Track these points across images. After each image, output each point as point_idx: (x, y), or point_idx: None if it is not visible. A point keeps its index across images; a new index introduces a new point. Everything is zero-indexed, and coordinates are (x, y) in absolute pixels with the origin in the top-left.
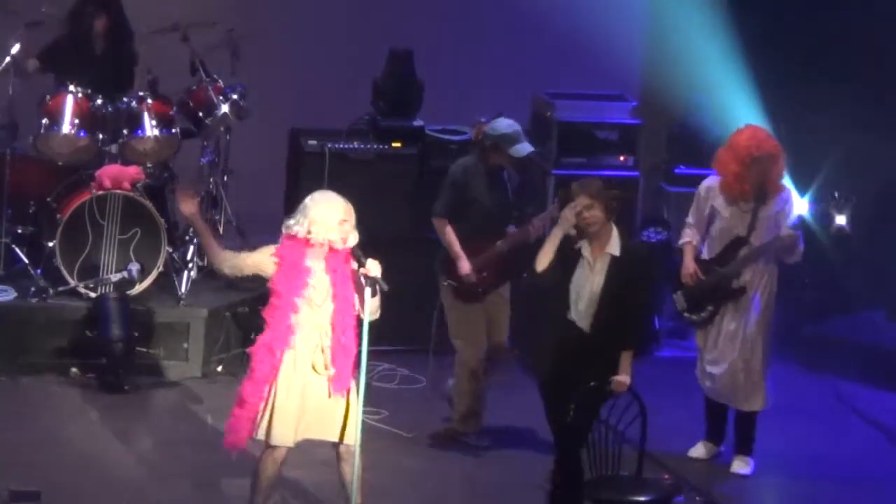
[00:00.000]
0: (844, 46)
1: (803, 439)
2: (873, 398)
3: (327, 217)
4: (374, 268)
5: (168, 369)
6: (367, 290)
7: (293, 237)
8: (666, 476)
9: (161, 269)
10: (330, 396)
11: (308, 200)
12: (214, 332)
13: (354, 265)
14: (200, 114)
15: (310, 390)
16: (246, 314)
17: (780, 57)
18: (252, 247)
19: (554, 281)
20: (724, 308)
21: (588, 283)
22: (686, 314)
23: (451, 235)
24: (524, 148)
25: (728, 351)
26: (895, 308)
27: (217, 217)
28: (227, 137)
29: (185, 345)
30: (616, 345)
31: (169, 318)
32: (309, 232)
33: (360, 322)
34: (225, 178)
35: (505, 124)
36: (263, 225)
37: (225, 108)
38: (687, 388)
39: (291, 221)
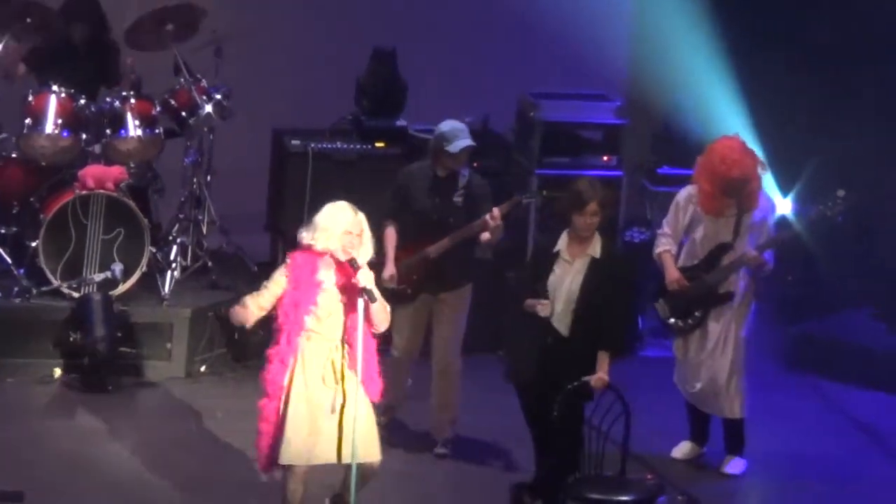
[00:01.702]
0: (828, 46)
1: (788, 439)
2: (858, 398)
3: (331, 225)
4: (364, 278)
5: (151, 369)
6: (360, 301)
7: (307, 248)
8: (649, 476)
9: (144, 269)
10: (334, 412)
11: (323, 209)
12: (198, 333)
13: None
14: (184, 114)
15: (315, 406)
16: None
17: (764, 58)
18: (236, 246)
19: (530, 281)
20: (711, 314)
21: (565, 284)
22: (672, 321)
23: (385, 238)
24: (458, 144)
25: (711, 357)
26: (881, 308)
27: (200, 217)
28: (211, 137)
29: (169, 345)
30: (594, 346)
31: (152, 318)
32: (314, 239)
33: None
34: (208, 178)
35: (445, 124)
36: (247, 224)
37: (208, 108)
38: (671, 387)
39: (304, 231)
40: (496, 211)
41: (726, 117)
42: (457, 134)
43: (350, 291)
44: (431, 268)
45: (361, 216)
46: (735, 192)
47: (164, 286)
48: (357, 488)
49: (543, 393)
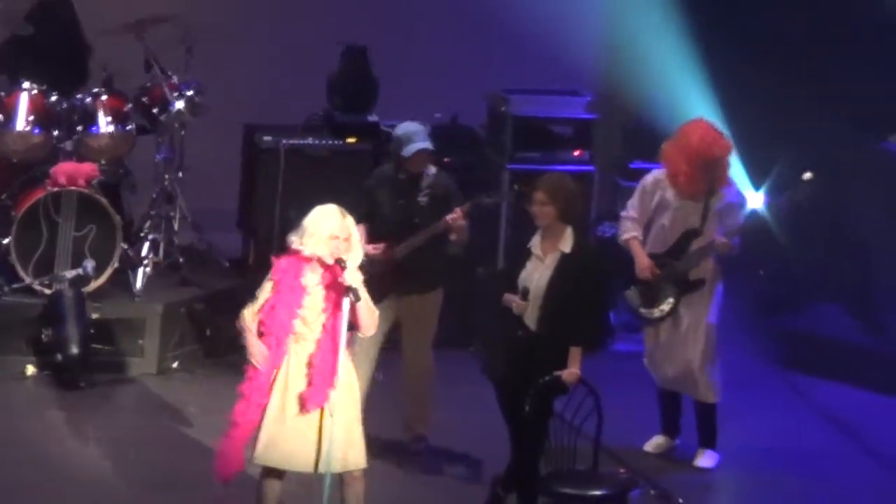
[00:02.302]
0: (798, 41)
1: (760, 432)
2: (829, 390)
3: (318, 229)
4: (350, 277)
5: (124, 366)
6: (345, 301)
7: (295, 252)
8: (622, 470)
9: (116, 265)
10: (307, 411)
11: (311, 212)
12: (170, 329)
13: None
14: (155, 110)
15: (300, 414)
16: (201, 311)
17: (734, 52)
18: (208, 243)
19: (503, 277)
20: (683, 301)
21: (535, 280)
22: (643, 310)
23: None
24: (411, 148)
25: (684, 343)
26: (852, 301)
27: (172, 214)
28: (182, 134)
29: (141, 341)
30: (564, 341)
31: (124, 314)
32: (302, 244)
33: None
34: (180, 175)
35: (401, 127)
36: (219, 221)
37: (180, 104)
38: (643, 381)
39: (293, 234)
40: (458, 211)
41: (697, 112)
42: (411, 137)
43: (336, 292)
44: (398, 269)
45: (349, 220)
46: (713, 172)
47: (135, 283)
48: (342, 495)
49: (517, 388)
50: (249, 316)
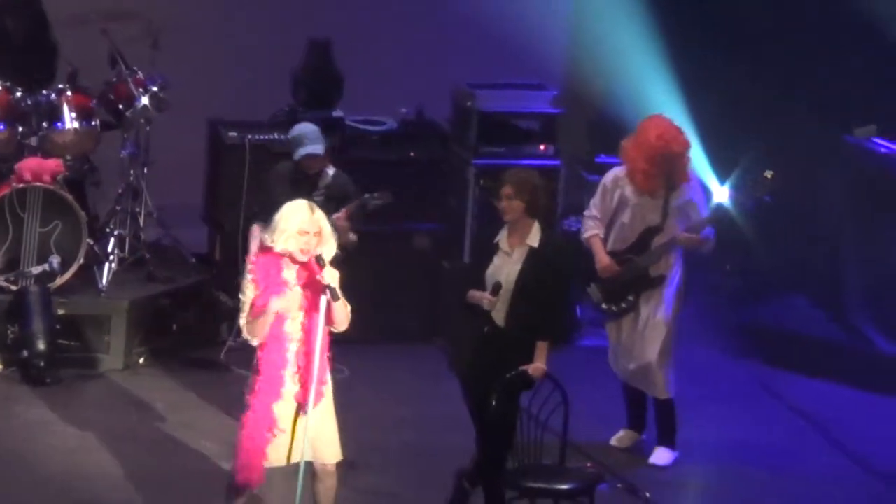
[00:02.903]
0: (764, 36)
1: (726, 426)
2: (796, 385)
3: (287, 225)
4: (328, 275)
5: (90, 362)
6: (322, 298)
7: (268, 250)
8: (589, 464)
9: (82, 261)
10: (304, 413)
11: (282, 209)
12: (136, 325)
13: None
14: (121, 106)
15: (287, 407)
16: (167, 306)
17: (700, 46)
18: (174, 238)
19: (469, 272)
20: (643, 297)
21: (502, 275)
22: (605, 305)
23: (249, 235)
24: (300, 152)
25: (642, 340)
26: (819, 294)
27: (138, 209)
28: (148, 129)
29: (107, 337)
30: (531, 335)
31: (90, 310)
32: (273, 241)
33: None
34: (145, 170)
35: (295, 128)
36: (184, 216)
37: (145, 100)
38: (609, 376)
39: (265, 232)
40: (344, 211)
41: (663, 106)
42: (301, 140)
43: (313, 290)
44: None
45: (319, 214)
46: (670, 168)
47: (101, 278)
48: (314, 489)
49: (483, 382)
50: (246, 322)
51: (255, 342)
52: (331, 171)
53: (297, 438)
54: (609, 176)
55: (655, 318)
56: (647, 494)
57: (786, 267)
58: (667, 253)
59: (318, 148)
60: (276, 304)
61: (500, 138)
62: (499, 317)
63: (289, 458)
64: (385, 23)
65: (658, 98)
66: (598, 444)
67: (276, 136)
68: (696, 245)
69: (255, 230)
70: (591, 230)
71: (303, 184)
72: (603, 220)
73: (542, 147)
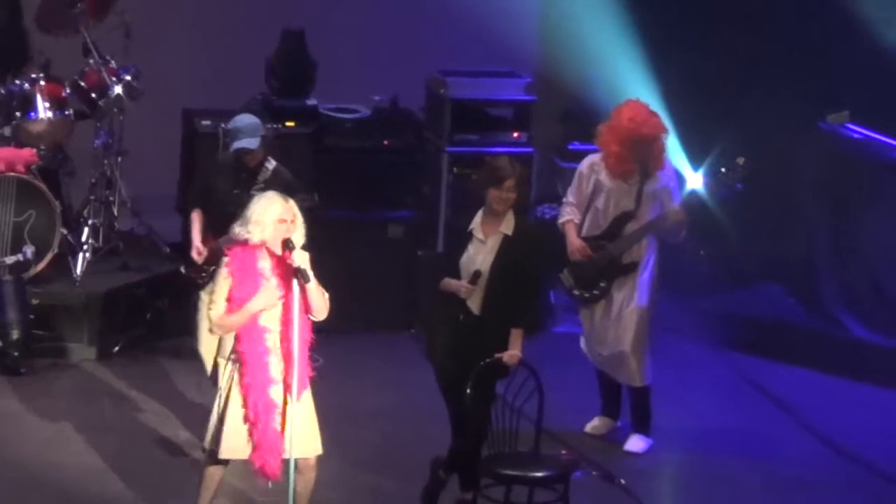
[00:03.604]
0: (736, 22)
1: (701, 413)
2: (771, 371)
3: (263, 216)
4: (298, 258)
5: (65, 351)
6: (295, 282)
7: (242, 243)
8: (563, 452)
9: (56, 251)
10: (286, 405)
11: (253, 202)
12: (111, 314)
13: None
14: (94, 95)
15: (276, 397)
16: (142, 295)
17: (674, 33)
18: (148, 227)
19: (444, 260)
20: (615, 283)
21: (477, 263)
22: (576, 291)
23: (192, 220)
24: (234, 145)
25: (615, 326)
26: (795, 281)
27: (112, 198)
28: (121, 119)
29: (81, 327)
30: (506, 323)
31: (65, 300)
32: (249, 233)
33: (312, 324)
34: (119, 160)
35: (233, 121)
36: (158, 206)
37: (118, 89)
38: (584, 363)
39: (237, 227)
40: None
41: (637, 93)
42: (236, 134)
43: (286, 277)
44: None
45: (292, 202)
46: (643, 152)
47: (76, 268)
48: (297, 484)
49: (458, 370)
50: (216, 315)
51: (221, 333)
52: (271, 165)
53: (285, 431)
54: (585, 162)
55: (629, 305)
56: (623, 481)
57: (760, 254)
58: (640, 239)
59: (252, 143)
60: (256, 304)
61: (473, 126)
62: (474, 305)
63: (299, 449)
64: (358, 11)
65: (631, 84)
66: (573, 432)
67: None
68: (680, 222)
69: (195, 216)
70: (567, 216)
71: (242, 176)
72: (579, 206)
73: (515, 134)
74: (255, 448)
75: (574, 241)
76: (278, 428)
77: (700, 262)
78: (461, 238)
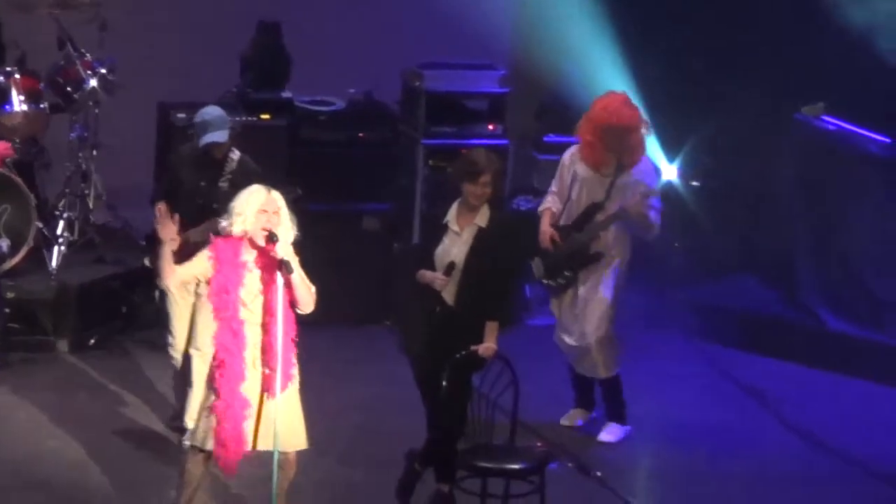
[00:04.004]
0: (712, 13)
1: (677, 405)
2: (747, 363)
3: (245, 208)
4: (282, 250)
5: (40, 345)
6: (279, 274)
7: (226, 236)
8: (539, 444)
9: (32, 244)
10: (267, 398)
11: (237, 196)
12: (86, 307)
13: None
14: (69, 88)
15: (249, 391)
16: (117, 288)
17: (650, 25)
18: (123, 220)
19: (419, 252)
20: (582, 274)
21: (452, 255)
22: (545, 280)
23: (159, 217)
24: (204, 139)
25: (584, 316)
26: (770, 273)
27: (87, 192)
28: (96, 112)
29: (57, 319)
30: (481, 315)
31: (40, 293)
32: (231, 225)
33: (296, 317)
34: (94, 153)
35: (200, 113)
36: (133, 199)
37: (93, 82)
38: (559, 355)
39: (223, 221)
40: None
41: (612, 84)
42: (206, 127)
43: (270, 269)
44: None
45: (276, 194)
46: (615, 143)
47: (51, 261)
48: (278, 479)
49: (433, 362)
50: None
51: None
52: (236, 156)
53: (262, 424)
54: (567, 152)
55: (594, 297)
56: (598, 473)
57: (736, 246)
58: (603, 229)
59: (221, 135)
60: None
61: (448, 118)
62: (449, 297)
63: (254, 444)
64: (334, 4)
65: (606, 76)
66: (549, 424)
67: None
68: (642, 213)
69: (161, 209)
70: (546, 204)
71: (208, 168)
72: (560, 195)
73: (490, 127)
74: (217, 442)
75: (544, 230)
76: (246, 424)
77: (675, 254)
78: (437, 230)
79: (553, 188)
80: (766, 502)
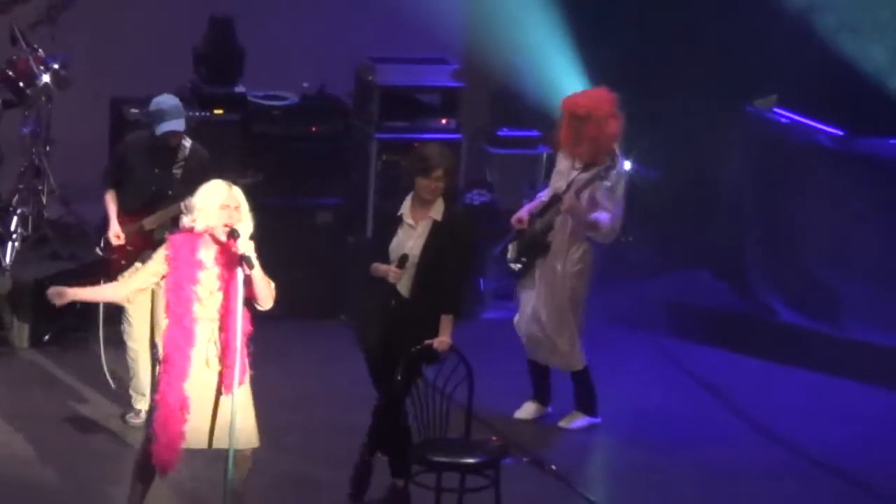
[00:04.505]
0: (666, 4)
1: (632, 397)
2: (699, 355)
3: (206, 203)
4: (242, 245)
5: None
6: (239, 271)
7: (187, 231)
8: (494, 438)
9: None
10: (221, 394)
11: (197, 191)
12: (41, 303)
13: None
14: (21, 84)
15: (201, 389)
16: (72, 283)
17: (602, 18)
18: (77, 216)
19: (374, 246)
20: (538, 264)
21: (407, 247)
22: (510, 264)
23: (106, 202)
24: (161, 128)
25: (541, 307)
26: (720, 267)
27: (40, 187)
28: (49, 107)
29: (11, 316)
30: (436, 308)
31: None
32: (193, 221)
33: (254, 313)
34: (47, 149)
35: (155, 101)
36: (87, 194)
37: (46, 77)
38: (513, 349)
39: (183, 216)
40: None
41: (565, 78)
42: (163, 115)
43: (230, 266)
44: (149, 242)
45: (237, 190)
46: (578, 132)
47: (5, 257)
48: (234, 476)
49: (388, 356)
50: (124, 287)
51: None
52: (188, 143)
53: (218, 423)
54: None
55: (553, 288)
56: (553, 467)
57: (689, 239)
58: (554, 218)
59: (179, 124)
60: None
61: (401, 112)
62: (404, 290)
63: (210, 442)
64: None
65: (559, 69)
66: (504, 417)
67: None
68: (577, 211)
69: (109, 198)
70: (541, 195)
71: (161, 156)
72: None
73: (443, 121)
74: (155, 439)
75: (519, 213)
76: (185, 423)
77: (627, 248)
78: (391, 223)
79: (551, 178)
80: (720, 493)
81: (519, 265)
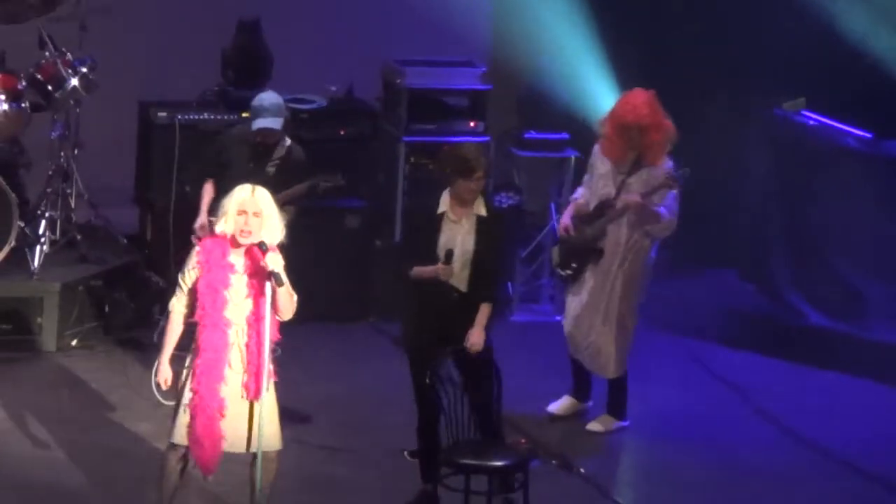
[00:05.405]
0: (691, 8)
1: (659, 401)
2: (727, 358)
3: (228, 207)
4: (272, 261)
5: (23, 345)
6: (268, 285)
7: (215, 234)
8: (522, 440)
9: (13, 244)
10: (243, 398)
11: None
12: (68, 306)
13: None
14: (49, 87)
15: (230, 392)
16: (99, 287)
17: (629, 21)
18: (105, 219)
19: (411, 247)
20: (590, 269)
21: (458, 243)
22: (557, 269)
23: (202, 192)
24: (256, 123)
25: (588, 313)
26: (746, 268)
27: (68, 191)
28: (77, 111)
29: (39, 319)
30: (478, 299)
31: (22, 292)
32: (218, 224)
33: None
34: (75, 152)
35: (258, 97)
36: (115, 197)
37: (74, 81)
38: (541, 351)
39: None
40: (285, 193)
41: (592, 81)
42: (259, 112)
43: (258, 276)
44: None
45: (259, 196)
46: (630, 140)
47: (33, 261)
48: (251, 475)
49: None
50: (179, 308)
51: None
52: (287, 142)
53: (255, 426)
54: (596, 146)
55: (603, 295)
56: (581, 470)
57: (715, 240)
58: (604, 226)
59: (275, 122)
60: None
61: (429, 115)
62: (461, 284)
63: (248, 446)
64: (314, 1)
65: (586, 71)
66: (534, 420)
67: (205, 115)
68: (642, 206)
69: (207, 188)
70: (576, 194)
71: (259, 150)
72: (589, 187)
73: (471, 123)
74: (193, 441)
75: (563, 219)
76: (222, 424)
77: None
78: (429, 222)
79: (585, 178)
80: (747, 494)
81: (569, 271)
